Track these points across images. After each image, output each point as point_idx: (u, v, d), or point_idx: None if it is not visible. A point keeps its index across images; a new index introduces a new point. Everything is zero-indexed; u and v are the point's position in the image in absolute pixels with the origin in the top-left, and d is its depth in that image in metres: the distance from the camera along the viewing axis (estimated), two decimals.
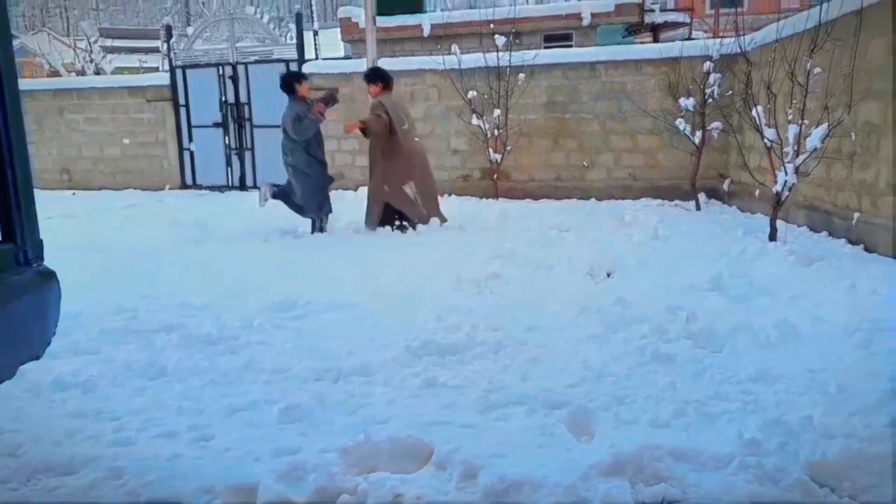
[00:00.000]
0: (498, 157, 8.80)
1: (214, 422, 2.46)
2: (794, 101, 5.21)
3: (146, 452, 2.23)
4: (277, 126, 10.36)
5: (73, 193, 11.22)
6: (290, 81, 6.70)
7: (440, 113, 9.57)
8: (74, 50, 20.64)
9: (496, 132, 8.72)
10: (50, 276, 2.13)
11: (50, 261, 2.47)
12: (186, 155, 11.22)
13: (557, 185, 9.32)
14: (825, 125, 5.02)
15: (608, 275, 4.73)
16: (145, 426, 2.42)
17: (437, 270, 4.79)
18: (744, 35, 6.80)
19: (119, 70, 19.52)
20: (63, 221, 7.62)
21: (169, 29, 11.74)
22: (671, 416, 2.46)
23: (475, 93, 8.66)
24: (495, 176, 8.92)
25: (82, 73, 19.28)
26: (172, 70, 11.09)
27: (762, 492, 2.02)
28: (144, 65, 22.16)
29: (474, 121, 8.68)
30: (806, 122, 5.17)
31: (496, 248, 5.44)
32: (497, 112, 8.64)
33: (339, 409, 2.61)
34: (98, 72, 19.06)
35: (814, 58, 5.18)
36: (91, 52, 20.04)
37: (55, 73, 19.29)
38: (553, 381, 2.81)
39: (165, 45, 11.62)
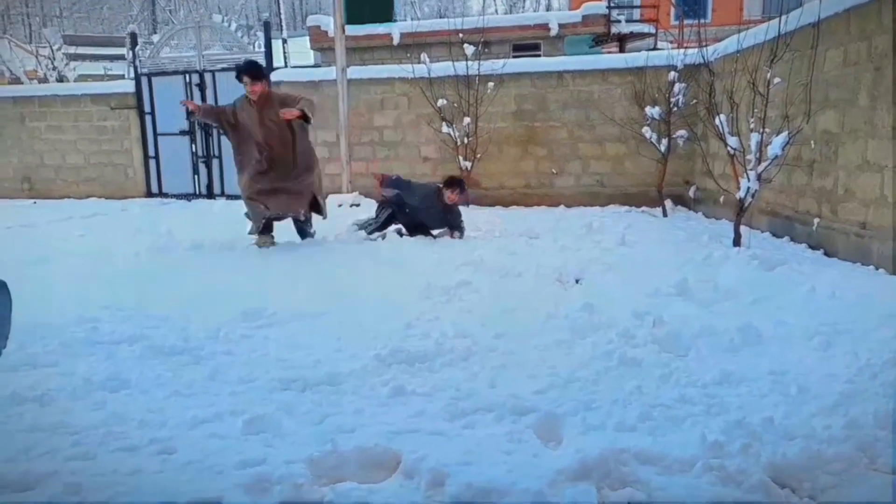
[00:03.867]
0: (468, 164, 8.83)
1: (177, 434, 2.41)
2: (755, 110, 5.32)
3: (105, 467, 2.17)
4: None
5: (35, 202, 10.96)
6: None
7: (410, 121, 9.59)
8: (37, 57, 20.18)
9: (466, 140, 8.76)
10: (0, 287, 2.07)
11: (7, 272, 2.41)
12: (152, 163, 11.05)
13: (527, 192, 9.39)
14: (785, 133, 5.14)
15: (577, 281, 4.77)
16: (105, 440, 2.36)
17: (406, 278, 4.78)
18: (707, 46, 6.95)
19: (83, 77, 19.11)
20: (22, 231, 7.44)
21: (134, 36, 11.56)
22: (637, 420, 2.48)
23: (445, 101, 8.70)
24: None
25: (45, 80, 18.87)
26: (138, 77, 10.93)
27: (725, 493, 2.04)
28: (109, 72, 21.79)
29: (444, 129, 8.71)
30: (767, 130, 5.29)
31: (466, 255, 5.45)
32: (467, 120, 8.68)
33: (305, 419, 2.58)
34: (61, 79, 18.67)
35: (773, 68, 5.31)
36: (54, 59, 19.64)
37: (16, 81, 18.81)
38: (521, 387, 2.82)
39: (131, 53, 11.44)
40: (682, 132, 7.60)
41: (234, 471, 2.15)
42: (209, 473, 2.14)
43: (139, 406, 2.68)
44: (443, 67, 8.94)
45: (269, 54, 10.38)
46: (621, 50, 15.24)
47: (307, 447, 2.29)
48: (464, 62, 8.70)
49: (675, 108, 7.62)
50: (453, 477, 2.08)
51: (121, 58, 22.09)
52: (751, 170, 5.38)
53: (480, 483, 2.04)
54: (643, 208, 8.44)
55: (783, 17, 5.43)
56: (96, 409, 2.64)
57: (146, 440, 2.36)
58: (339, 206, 8.64)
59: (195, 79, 10.60)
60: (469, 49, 8.65)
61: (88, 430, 2.43)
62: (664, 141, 7.75)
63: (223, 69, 10.53)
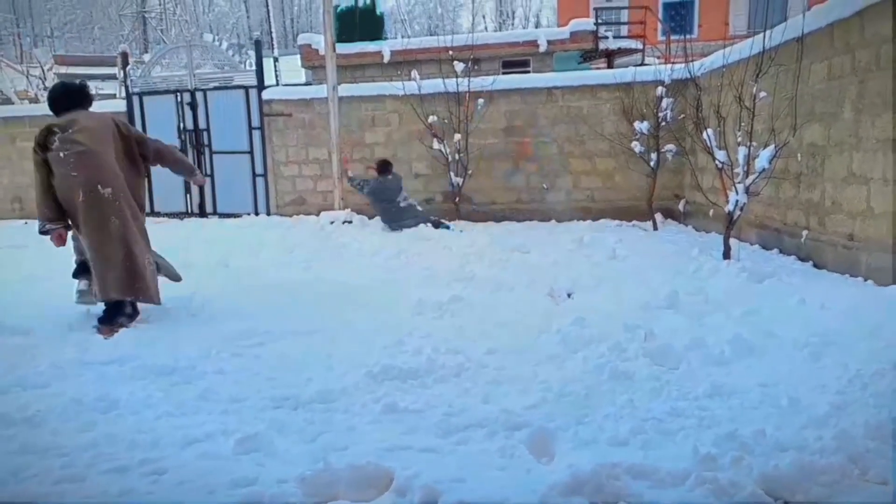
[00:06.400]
0: (459, 180, 8.87)
1: (168, 455, 2.39)
2: (742, 124, 5.38)
3: (95, 489, 2.15)
4: (236, 152, 10.36)
5: (26, 223, 10.88)
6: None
7: (401, 138, 9.63)
8: (28, 77, 20.23)
9: (457, 156, 8.80)
10: None
11: None
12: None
13: (518, 207, 9.43)
14: (772, 147, 5.20)
15: (568, 295, 4.79)
16: (95, 461, 2.34)
17: (398, 294, 4.79)
18: (693, 61, 7.04)
19: None
20: (12, 252, 7.40)
21: (125, 56, 11.61)
22: (629, 434, 2.48)
23: (435, 118, 8.75)
24: (457, 199, 8.99)
25: (35, 100, 18.86)
26: (129, 97, 10.94)
27: None
28: (101, 92, 21.82)
29: (435, 145, 8.76)
30: (754, 143, 5.35)
31: (457, 270, 5.47)
32: (457, 136, 8.73)
33: (297, 437, 2.57)
34: None
35: (759, 82, 5.38)
36: (45, 79, 19.67)
37: (7, 101, 18.80)
38: (513, 402, 2.82)
39: (122, 72, 11.46)
40: (670, 146, 7.66)
41: (225, 491, 2.13)
42: (200, 494, 2.13)
43: (129, 426, 2.66)
44: (433, 84, 9.00)
45: (260, 72, 10.42)
46: (609, 66, 15.41)
47: (299, 466, 2.28)
48: (454, 79, 8.76)
49: (664, 123, 7.69)
50: (446, 494, 2.07)
51: (112, 77, 22.14)
52: (739, 183, 5.43)
53: (473, 500, 2.04)
54: (634, 222, 8.48)
55: (768, 32, 5.51)
56: (86, 430, 2.62)
57: (137, 461, 2.34)
58: (332, 223, 8.65)
59: (186, 98, 10.62)
60: (459, 66, 8.72)
61: (78, 452, 2.41)
62: (653, 155, 7.81)
63: (215, 88, 10.57)
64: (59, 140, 4.08)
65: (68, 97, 4.36)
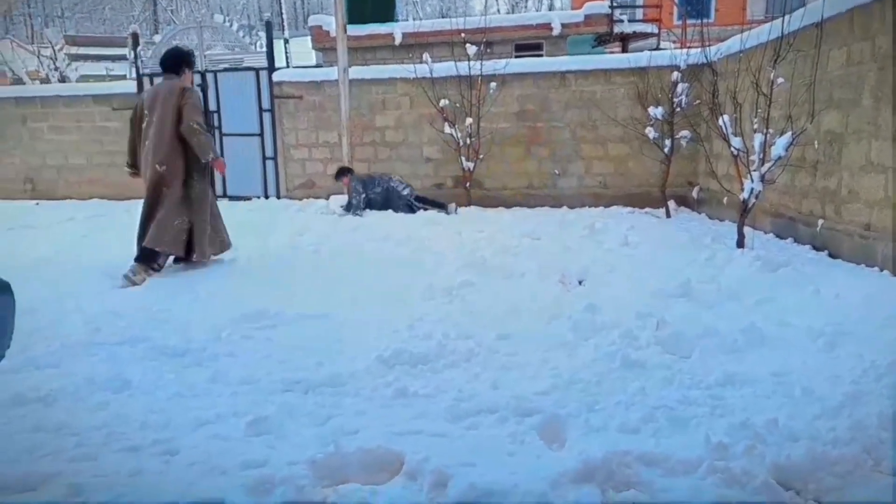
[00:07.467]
0: (470, 165, 8.83)
1: (179, 435, 2.41)
2: (758, 111, 5.31)
3: (108, 468, 2.17)
4: (246, 135, 10.35)
5: (37, 203, 10.96)
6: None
7: (412, 121, 9.58)
8: (39, 57, 20.22)
9: (468, 140, 8.75)
10: (3, 288, 2.07)
11: (10, 273, 2.42)
12: None
13: (530, 192, 9.38)
14: (789, 134, 5.12)
15: (580, 282, 4.76)
16: (108, 441, 2.36)
17: (408, 279, 4.78)
18: (710, 46, 6.94)
19: (85, 78, 19.10)
20: (25, 232, 7.45)
21: (136, 37, 11.57)
22: (640, 422, 2.47)
23: (447, 101, 8.69)
24: (468, 184, 8.95)
25: (46, 80, 18.89)
26: (140, 78, 10.93)
27: (730, 495, 2.04)
28: (111, 73, 21.82)
29: (446, 129, 8.71)
30: (770, 130, 5.27)
31: (468, 256, 5.45)
32: (469, 120, 8.67)
33: (308, 420, 2.58)
34: (63, 79, 18.68)
35: (777, 68, 5.30)
36: (56, 59, 19.67)
37: (18, 81, 18.84)
38: (524, 388, 2.82)
39: (133, 53, 11.44)
40: (685, 133, 7.57)
41: (236, 472, 2.15)
42: (212, 475, 2.14)
43: (141, 407, 2.68)
44: (445, 67, 8.93)
45: (270, 54, 10.38)
46: (624, 50, 15.24)
47: (310, 448, 2.29)
48: (466, 62, 8.69)
49: (679, 109, 7.60)
50: (456, 478, 2.07)
51: (123, 58, 22.12)
52: (754, 170, 5.37)
53: (483, 484, 2.03)
54: (646, 209, 8.41)
55: (786, 17, 5.41)
56: (99, 410, 2.65)
57: (149, 441, 2.36)
58: (342, 206, 8.65)
59: (197, 79, 10.59)
60: (471, 49, 8.64)
61: (91, 431, 2.43)
62: (667, 141, 7.73)
63: (225, 69, 10.54)
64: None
65: (164, 64, 5.53)
